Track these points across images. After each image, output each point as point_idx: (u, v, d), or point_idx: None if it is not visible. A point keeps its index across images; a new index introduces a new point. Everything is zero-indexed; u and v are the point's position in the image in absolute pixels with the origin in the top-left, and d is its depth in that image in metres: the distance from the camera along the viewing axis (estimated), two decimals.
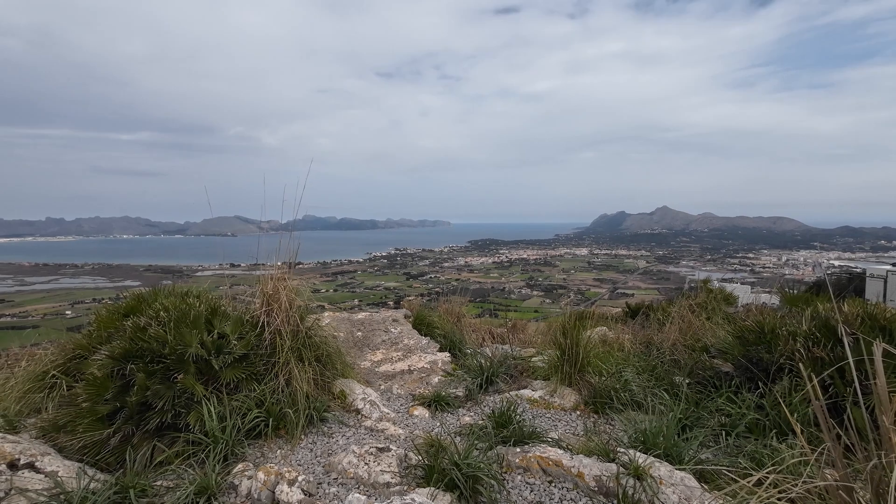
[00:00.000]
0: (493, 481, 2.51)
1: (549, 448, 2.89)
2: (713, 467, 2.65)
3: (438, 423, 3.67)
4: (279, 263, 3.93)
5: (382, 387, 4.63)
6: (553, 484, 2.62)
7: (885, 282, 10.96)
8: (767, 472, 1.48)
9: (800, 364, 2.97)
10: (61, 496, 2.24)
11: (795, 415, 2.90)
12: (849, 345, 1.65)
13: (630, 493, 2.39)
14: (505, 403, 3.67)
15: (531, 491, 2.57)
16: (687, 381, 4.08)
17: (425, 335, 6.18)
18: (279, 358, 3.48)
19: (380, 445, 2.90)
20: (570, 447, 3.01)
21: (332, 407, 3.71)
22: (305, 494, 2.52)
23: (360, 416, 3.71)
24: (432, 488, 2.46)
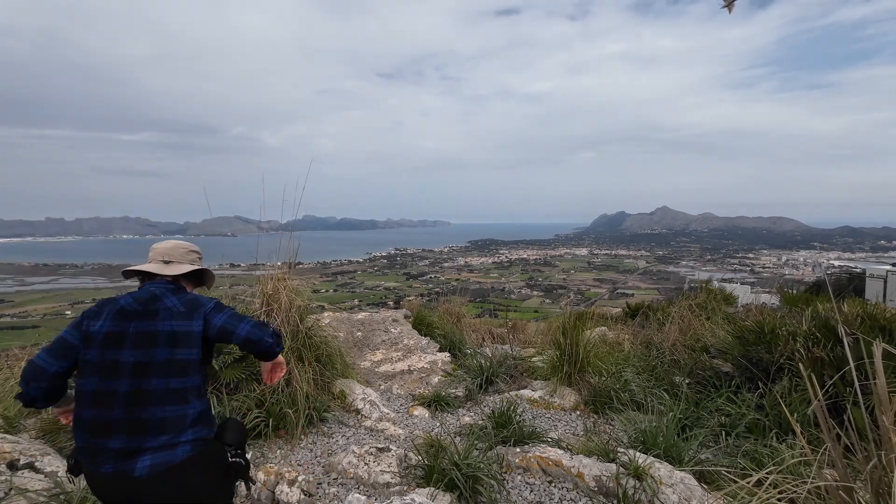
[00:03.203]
0: (493, 481, 2.51)
1: (549, 448, 2.89)
2: (713, 468, 2.64)
3: (438, 423, 3.66)
4: (279, 263, 3.92)
5: (382, 387, 4.63)
6: (553, 484, 2.62)
7: (885, 282, 10.95)
8: (767, 473, 1.48)
9: (800, 364, 2.97)
10: (61, 496, 2.24)
11: (795, 415, 2.90)
12: (849, 345, 1.65)
13: (630, 493, 2.39)
14: (505, 403, 3.66)
15: (531, 491, 2.57)
16: (687, 381, 4.08)
17: (425, 335, 6.18)
18: None
19: (380, 445, 2.90)
20: (570, 447, 3.01)
21: (332, 407, 3.71)
22: (305, 494, 2.52)
23: (360, 416, 3.71)
24: (432, 488, 2.46)
